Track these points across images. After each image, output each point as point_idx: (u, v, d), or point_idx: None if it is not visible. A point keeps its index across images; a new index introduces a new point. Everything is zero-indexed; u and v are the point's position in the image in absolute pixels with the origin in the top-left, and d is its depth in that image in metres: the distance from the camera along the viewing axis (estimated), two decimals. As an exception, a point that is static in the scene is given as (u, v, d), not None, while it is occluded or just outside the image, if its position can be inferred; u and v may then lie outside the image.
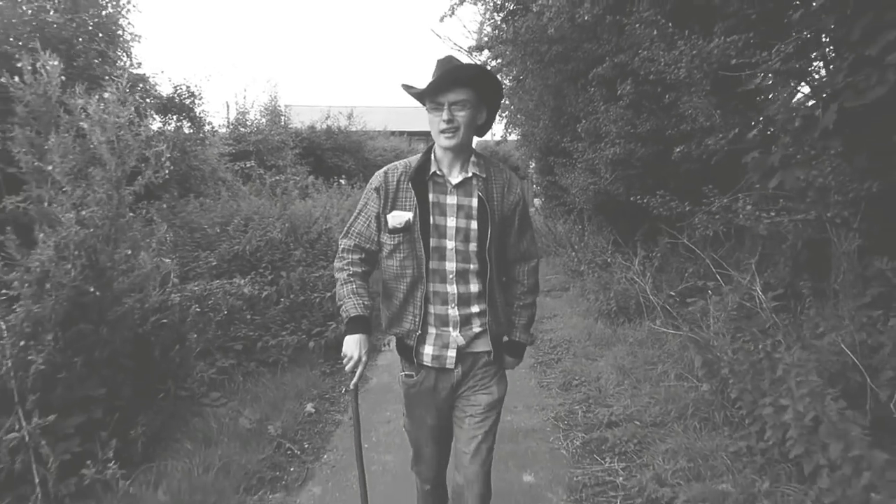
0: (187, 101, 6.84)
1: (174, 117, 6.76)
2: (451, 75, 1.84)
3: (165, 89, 6.73)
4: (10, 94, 3.29)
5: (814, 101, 3.48)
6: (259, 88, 28.74)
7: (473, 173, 1.97)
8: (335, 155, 14.86)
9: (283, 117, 12.84)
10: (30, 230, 3.17)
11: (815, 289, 3.98)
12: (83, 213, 2.95)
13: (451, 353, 2.00)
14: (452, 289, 1.97)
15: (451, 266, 1.96)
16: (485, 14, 9.67)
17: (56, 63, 3.16)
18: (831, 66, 3.41)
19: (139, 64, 5.98)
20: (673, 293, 5.26)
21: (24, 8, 4.18)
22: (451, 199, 1.97)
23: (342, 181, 11.09)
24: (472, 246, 1.96)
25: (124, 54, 5.95)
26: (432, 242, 1.95)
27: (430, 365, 2.02)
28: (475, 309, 2.00)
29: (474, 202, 1.96)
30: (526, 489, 3.10)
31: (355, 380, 1.97)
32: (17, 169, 3.32)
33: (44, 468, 2.62)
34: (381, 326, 2.14)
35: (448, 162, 1.97)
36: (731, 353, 3.44)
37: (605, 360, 4.84)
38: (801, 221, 3.92)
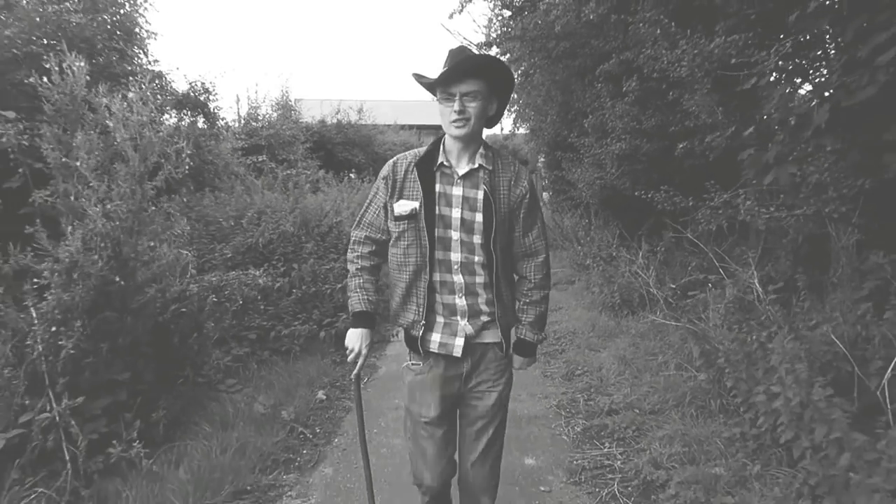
0: (202, 97, 7.01)
1: (189, 113, 6.92)
2: (462, 66, 1.83)
3: (181, 86, 6.90)
4: (38, 93, 3.46)
5: (816, 101, 3.58)
6: (271, 83, 28.99)
7: (480, 165, 1.96)
8: (345, 149, 15.00)
9: (294, 112, 12.98)
10: (56, 223, 3.34)
11: (813, 282, 4.09)
12: (108, 206, 3.11)
13: (459, 341, 2.00)
14: (458, 278, 1.97)
15: (455, 257, 1.97)
16: (494, 10, 9.79)
17: (82, 64, 3.31)
18: (826, 67, 3.51)
19: (156, 61, 6.15)
20: (674, 286, 5.37)
21: (48, 9, 4.34)
22: (457, 191, 1.96)
23: (352, 175, 11.23)
24: (477, 238, 1.95)
25: (141, 52, 6.10)
26: (437, 232, 1.95)
27: (437, 352, 2.02)
28: (482, 299, 2.00)
29: (480, 194, 1.95)
30: (527, 471, 3.25)
31: (356, 370, 2.09)
32: (44, 164, 3.50)
33: (73, 446, 2.79)
34: (390, 317, 2.16)
35: (457, 152, 1.97)
36: (727, 343, 3.56)
37: (608, 351, 4.97)
38: (801, 217, 4.02)
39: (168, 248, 3.60)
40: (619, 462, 3.26)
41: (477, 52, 1.93)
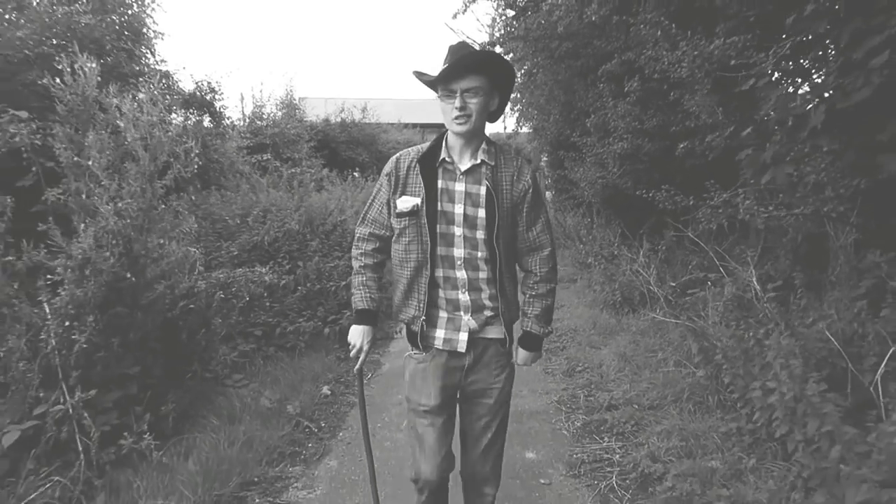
0: (208, 97, 7.09)
1: (195, 112, 7.00)
2: (463, 62, 1.83)
3: (187, 85, 6.99)
4: (49, 93, 3.54)
5: (814, 103, 3.63)
6: (275, 82, 29.08)
7: (482, 160, 1.97)
8: (349, 148, 15.07)
9: (298, 111, 13.06)
10: (68, 221, 3.42)
11: (812, 280, 4.15)
12: (119, 204, 3.19)
13: (463, 336, 2.02)
14: (462, 274, 1.99)
15: (458, 252, 1.98)
16: (497, 9, 9.85)
17: (94, 65, 3.39)
18: (822, 69, 3.57)
19: (163, 61, 6.23)
20: (674, 284, 5.43)
21: (59, 10, 4.42)
22: (460, 186, 1.97)
23: (356, 174, 11.30)
24: (480, 233, 1.97)
25: (148, 52, 6.19)
26: (440, 228, 1.96)
27: (441, 348, 2.04)
28: (486, 294, 2.02)
29: (482, 190, 1.96)
30: (528, 465, 3.32)
31: (358, 365, 2.15)
32: (55, 164, 3.58)
33: (86, 438, 2.87)
34: (392, 313, 2.18)
35: (459, 148, 1.98)
36: (725, 340, 3.63)
37: (609, 349, 5.04)
38: (800, 216, 4.08)
39: (177, 245, 3.68)
40: (617, 456, 3.33)
41: (477, 48, 1.96)
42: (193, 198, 5.34)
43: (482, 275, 2.00)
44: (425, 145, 2.05)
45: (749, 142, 3.82)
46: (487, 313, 2.04)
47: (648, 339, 4.95)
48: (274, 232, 5.92)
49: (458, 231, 1.97)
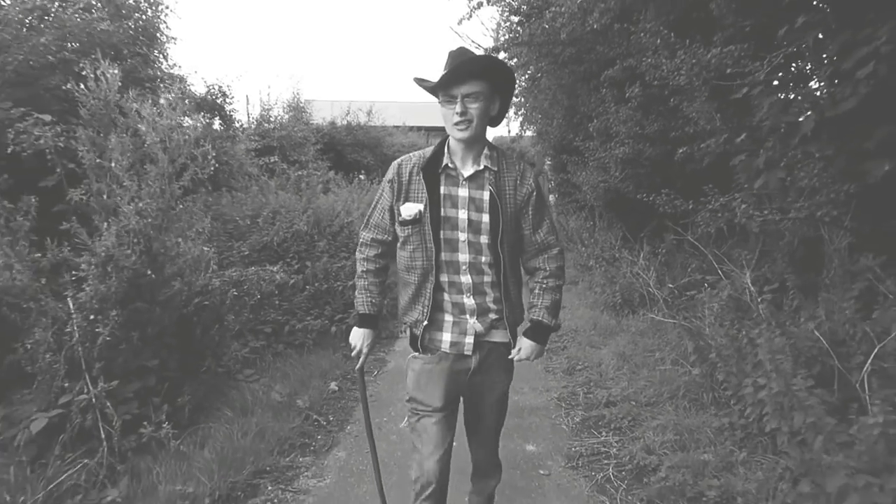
0: (219, 101, 7.25)
1: (206, 115, 7.16)
2: (463, 67, 1.84)
3: (199, 89, 7.16)
4: (69, 97, 3.70)
5: (808, 113, 3.77)
6: (282, 85, 29.32)
7: (485, 166, 1.98)
8: (355, 150, 15.25)
9: (305, 114, 13.23)
10: (89, 220, 3.58)
11: (807, 283, 4.28)
12: (140, 204, 3.34)
13: (469, 339, 2.05)
14: (466, 279, 2.01)
15: (463, 258, 2.00)
16: (502, 15, 9.99)
17: (116, 72, 3.55)
18: (814, 78, 3.71)
19: (178, 66, 6.41)
20: (672, 285, 5.56)
21: (79, 17, 4.58)
22: (463, 192, 1.98)
23: (362, 176, 11.46)
24: (484, 238, 1.98)
25: (161, 56, 6.36)
26: (444, 234, 1.98)
27: (447, 351, 2.06)
28: (490, 298, 2.04)
29: (486, 195, 1.97)
30: (529, 457, 3.46)
31: (359, 364, 2.27)
32: (76, 165, 3.75)
33: (109, 426, 3.02)
34: (398, 315, 2.21)
35: (461, 154, 1.99)
36: (720, 339, 3.76)
37: (608, 348, 5.17)
38: (796, 220, 4.21)
39: (193, 244, 3.83)
40: (614, 449, 3.47)
41: (477, 53, 1.96)
42: (210, 199, 5.49)
43: (486, 279, 2.03)
44: (427, 151, 2.06)
45: (743, 147, 3.96)
46: (492, 316, 2.07)
47: (647, 339, 5.09)
48: (283, 233, 6.08)
49: (462, 236, 1.99)
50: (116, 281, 3.19)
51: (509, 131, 15.02)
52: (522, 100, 12.02)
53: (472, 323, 2.05)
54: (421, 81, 2.00)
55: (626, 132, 6.78)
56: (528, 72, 10.00)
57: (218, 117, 7.44)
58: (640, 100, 6.31)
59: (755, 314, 4.01)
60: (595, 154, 7.90)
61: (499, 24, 10.24)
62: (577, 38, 6.98)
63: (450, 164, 1.99)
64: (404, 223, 2.00)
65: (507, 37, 9.10)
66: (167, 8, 6.21)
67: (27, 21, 4.27)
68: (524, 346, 2.12)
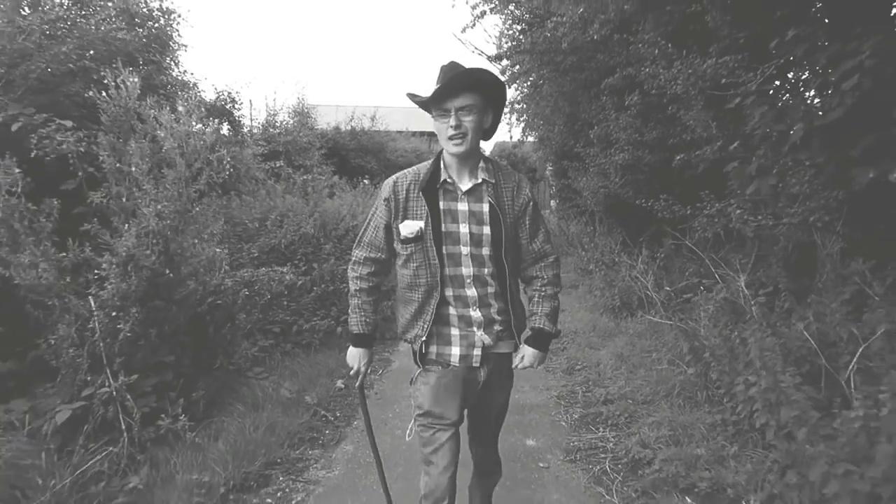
0: (228, 106, 7.42)
1: (216, 121, 7.33)
2: (456, 81, 1.85)
3: (209, 95, 7.33)
4: (88, 103, 3.87)
5: (800, 122, 3.91)
6: (288, 90, 29.57)
7: (483, 179, 1.99)
8: (358, 155, 15.44)
9: (310, 119, 13.41)
10: (108, 222, 3.74)
11: (801, 286, 4.42)
12: (158, 207, 3.50)
13: (477, 352, 2.05)
14: (472, 292, 2.02)
15: (467, 271, 2.00)
16: (504, 23, 10.17)
17: (135, 80, 3.72)
18: (801, 88, 3.87)
19: (190, 73, 6.59)
20: (668, 288, 5.70)
21: (93, 26, 4.75)
22: (463, 206, 1.99)
23: (366, 181, 11.62)
24: (486, 250, 1.99)
25: (173, 63, 6.53)
26: (446, 249, 1.98)
27: (457, 365, 2.06)
28: (495, 309, 2.06)
29: (485, 208, 1.99)
30: (529, 451, 3.60)
31: (358, 383, 2.28)
32: (95, 169, 3.91)
33: (129, 418, 3.17)
34: (398, 333, 2.20)
35: (457, 168, 1.99)
36: (714, 340, 3.90)
37: (607, 349, 5.31)
38: (790, 225, 4.36)
39: (207, 245, 3.99)
40: (611, 444, 3.61)
41: (468, 66, 1.94)
42: (225, 202, 5.66)
43: (490, 290, 2.04)
44: (422, 167, 2.06)
45: (737, 155, 4.11)
46: (498, 328, 2.08)
47: (644, 340, 5.23)
48: (290, 235, 6.24)
49: (464, 250, 2.00)
50: (136, 280, 3.35)
51: (511, 137, 15.21)
52: (524, 106, 12.20)
53: (480, 335, 2.05)
54: (413, 97, 2.00)
55: (625, 139, 6.94)
56: (531, 79, 10.16)
57: (227, 122, 7.60)
58: (639, 108, 6.47)
59: (748, 316, 4.15)
60: (595, 160, 8.06)
61: (501, 32, 10.43)
62: (577, 46, 7.15)
63: (448, 179, 1.99)
64: (406, 241, 1.99)
65: (509, 45, 9.29)
66: (179, 16, 6.39)
67: (46, 29, 4.42)
68: (527, 353, 2.16)
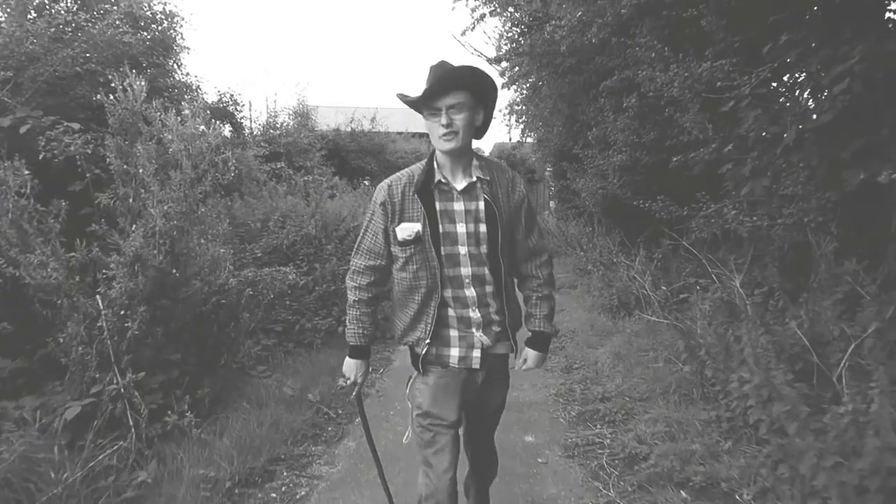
0: (230, 108, 7.50)
1: (218, 122, 7.41)
2: (445, 79, 1.85)
3: (211, 97, 7.41)
4: (93, 105, 3.95)
5: (792, 125, 3.99)
6: (289, 92, 29.65)
7: (478, 177, 1.99)
8: (358, 157, 15.54)
9: (310, 121, 13.49)
10: (115, 222, 3.81)
11: (795, 286, 4.49)
12: (165, 208, 3.57)
13: (477, 353, 2.05)
14: (471, 292, 2.01)
15: (466, 271, 2.00)
16: (504, 25, 10.26)
17: (142, 83, 3.79)
18: (797, 91, 3.95)
19: (194, 76, 6.67)
20: (664, 287, 5.78)
21: (101, 30, 4.83)
22: (459, 206, 1.98)
23: (366, 182, 11.71)
24: (484, 248, 1.99)
25: (176, 65, 6.61)
26: (444, 250, 1.97)
27: (457, 366, 2.05)
28: (493, 309, 2.05)
29: (481, 205, 1.98)
30: (527, 447, 3.68)
31: (354, 393, 2.31)
32: (101, 170, 3.99)
33: (137, 414, 3.24)
34: (396, 337, 2.19)
35: (451, 167, 1.98)
36: (709, 338, 3.98)
37: (605, 348, 5.39)
38: (786, 226, 4.43)
39: (211, 245, 4.06)
40: (608, 440, 3.69)
41: (457, 64, 1.92)
42: (230, 202, 5.73)
43: (489, 289, 2.04)
44: (415, 168, 2.05)
45: (731, 157, 4.19)
46: (496, 328, 2.07)
47: (642, 339, 5.30)
48: (292, 236, 6.31)
49: (462, 250, 1.99)
50: (143, 279, 3.42)
51: (510, 139, 15.30)
52: (524, 108, 12.29)
53: (479, 336, 2.05)
54: (404, 97, 1.99)
55: (623, 140, 7.01)
56: (530, 81, 10.25)
57: (228, 124, 7.67)
58: (636, 110, 6.54)
59: (743, 315, 4.22)
60: (594, 161, 8.14)
61: (501, 35, 10.51)
62: (576, 49, 7.22)
63: (442, 180, 1.98)
64: (404, 243, 1.98)
65: (508, 47, 9.38)
66: (182, 20, 6.47)
67: (53, 33, 4.50)
68: (530, 356, 2.22)
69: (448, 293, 2.01)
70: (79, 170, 3.90)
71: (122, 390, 3.25)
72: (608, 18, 5.87)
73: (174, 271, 3.56)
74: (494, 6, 8.67)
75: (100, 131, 4.16)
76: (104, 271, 3.43)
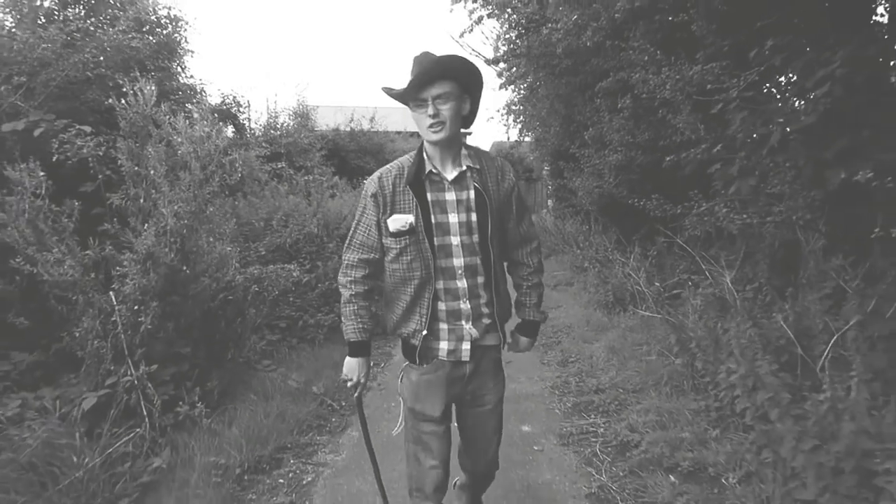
0: (233, 110, 7.64)
1: (221, 124, 7.54)
2: (430, 69, 1.83)
3: (214, 99, 7.55)
4: (103, 109, 4.08)
5: (776, 125, 4.13)
6: (289, 92, 29.75)
7: (468, 166, 1.99)
8: (358, 156, 15.66)
9: (310, 120, 13.61)
10: (126, 222, 3.96)
11: (785, 282, 4.64)
12: (176, 207, 3.71)
13: (466, 346, 2.03)
14: (462, 283, 2.00)
15: (458, 262, 1.99)
16: (501, 27, 10.41)
17: (152, 87, 3.93)
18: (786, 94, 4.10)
19: (200, 80, 6.81)
20: (658, 284, 5.93)
21: (116, 37, 4.96)
22: (450, 196, 1.98)
23: (366, 181, 11.83)
24: (476, 237, 1.99)
25: (180, 69, 6.75)
26: (437, 241, 1.96)
27: (445, 359, 2.04)
28: (483, 300, 2.05)
29: (471, 194, 1.98)
30: (524, 436, 3.84)
31: (356, 394, 2.22)
32: (112, 172, 4.13)
33: (150, 404, 3.39)
34: (388, 330, 2.16)
35: (440, 158, 1.97)
36: (699, 332, 4.13)
37: (600, 343, 5.54)
38: (775, 223, 4.58)
39: (219, 243, 4.21)
40: (601, 429, 3.84)
41: (440, 54, 1.91)
42: (237, 202, 5.88)
43: (480, 279, 2.03)
44: (405, 160, 2.04)
45: (720, 157, 4.34)
46: (486, 321, 2.07)
47: (636, 334, 5.46)
48: (295, 234, 6.46)
49: (454, 240, 1.98)
50: (155, 276, 3.56)
51: (508, 138, 15.45)
52: (522, 108, 12.44)
53: (468, 328, 2.03)
54: (389, 91, 1.97)
55: (618, 140, 7.16)
56: (527, 81, 10.40)
57: (231, 125, 7.81)
58: (631, 110, 6.69)
59: (732, 309, 4.37)
60: (590, 161, 8.28)
61: (499, 36, 10.66)
62: (572, 51, 7.37)
63: (433, 170, 1.98)
64: (397, 234, 1.96)
65: (506, 48, 9.53)
66: (186, 24, 6.61)
67: (65, 38, 4.63)
68: (521, 342, 2.31)
69: (440, 285, 2.00)
70: (91, 171, 4.04)
71: (136, 382, 3.39)
72: (603, 22, 6.02)
73: (184, 268, 3.70)
74: (492, 9, 8.82)
75: (110, 134, 4.30)
76: (117, 268, 3.57)
